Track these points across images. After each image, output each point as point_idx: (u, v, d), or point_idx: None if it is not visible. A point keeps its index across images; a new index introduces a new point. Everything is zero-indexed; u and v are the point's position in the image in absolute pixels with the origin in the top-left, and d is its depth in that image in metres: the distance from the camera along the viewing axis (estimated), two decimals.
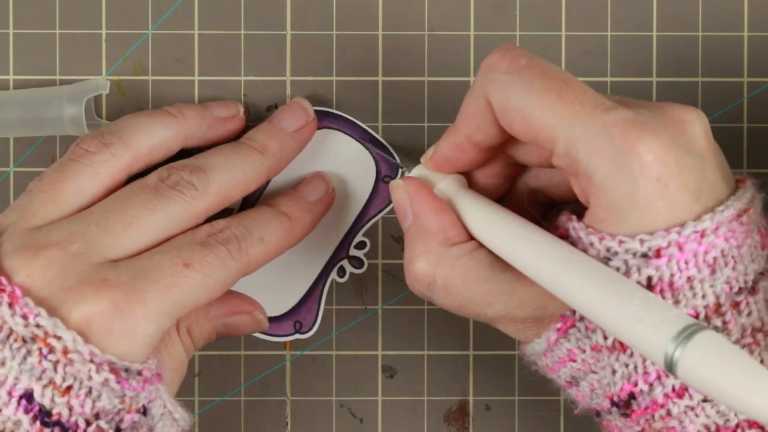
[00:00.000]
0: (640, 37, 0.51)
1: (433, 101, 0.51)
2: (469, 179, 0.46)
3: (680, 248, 0.39)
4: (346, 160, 0.50)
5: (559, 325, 0.41)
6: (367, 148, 0.50)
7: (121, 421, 0.42)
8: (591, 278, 0.39)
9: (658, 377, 0.40)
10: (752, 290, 0.40)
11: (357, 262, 0.51)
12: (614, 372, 0.40)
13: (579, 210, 0.42)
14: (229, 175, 0.45)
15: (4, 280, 0.41)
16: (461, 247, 0.43)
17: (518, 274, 0.42)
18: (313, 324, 0.51)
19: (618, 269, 0.39)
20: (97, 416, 0.41)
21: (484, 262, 0.43)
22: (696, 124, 0.40)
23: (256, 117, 0.51)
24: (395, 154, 0.50)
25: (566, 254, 0.40)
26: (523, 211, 0.44)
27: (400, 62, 0.51)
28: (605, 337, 0.40)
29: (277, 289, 0.50)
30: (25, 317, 0.40)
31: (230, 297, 0.47)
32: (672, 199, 0.39)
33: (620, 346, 0.40)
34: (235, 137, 0.49)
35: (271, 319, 0.50)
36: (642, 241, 0.39)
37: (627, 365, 0.40)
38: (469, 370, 0.51)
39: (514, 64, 0.41)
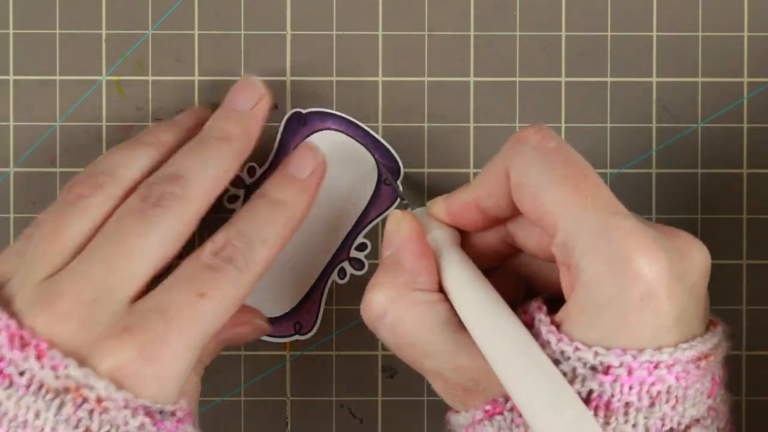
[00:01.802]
0: (640, 37, 0.51)
1: (433, 101, 0.51)
2: (466, 240, 0.46)
3: (630, 372, 0.39)
4: (347, 162, 0.50)
5: (488, 407, 0.41)
6: (369, 151, 0.50)
7: None
8: (535, 375, 0.39)
9: None
10: None
11: (358, 263, 0.51)
12: None
13: (555, 299, 0.42)
14: (205, 173, 0.44)
15: (27, 334, 0.40)
16: (425, 294, 0.43)
17: (467, 341, 0.42)
18: (313, 325, 0.51)
19: (565, 374, 0.39)
20: None
21: (441, 316, 0.43)
22: (697, 259, 0.41)
23: None
24: (400, 187, 0.50)
25: (523, 343, 0.40)
26: (503, 290, 0.44)
27: (400, 62, 0.51)
28: None
29: (278, 291, 0.50)
30: (54, 368, 0.40)
31: None
32: (647, 320, 0.39)
33: None
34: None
35: (271, 320, 0.50)
36: (596, 354, 0.39)
37: None
38: None
39: (543, 144, 0.41)
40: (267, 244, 0.44)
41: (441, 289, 0.44)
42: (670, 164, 0.51)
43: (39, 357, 0.40)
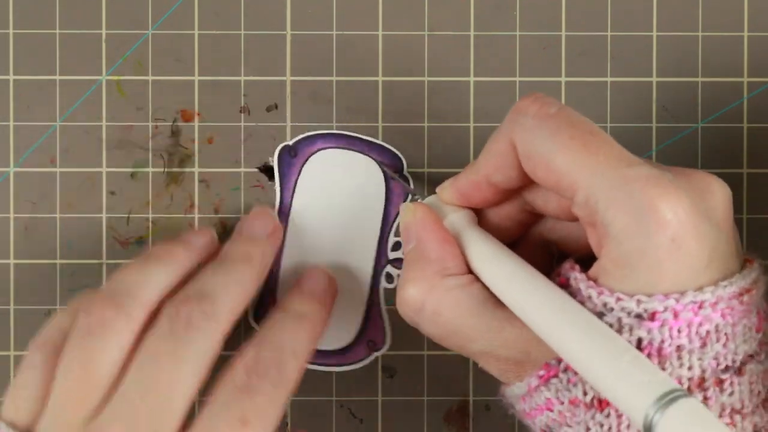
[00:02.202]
0: (640, 37, 0.51)
1: (433, 101, 0.51)
2: (483, 218, 0.46)
3: (675, 315, 0.39)
4: (350, 173, 0.50)
5: (542, 372, 0.41)
6: (366, 154, 0.50)
7: None
8: (584, 331, 0.39)
9: None
10: (739, 371, 0.40)
11: (400, 263, 0.51)
12: (588, 429, 0.40)
13: (585, 260, 0.42)
14: (231, 291, 0.45)
15: None
16: (456, 278, 0.43)
17: (508, 314, 0.42)
18: (385, 337, 0.51)
19: (611, 326, 0.40)
20: None
21: (477, 297, 0.43)
22: (718, 195, 0.41)
23: (256, 117, 0.51)
24: (410, 180, 0.50)
25: (562, 303, 0.40)
26: (533, 260, 0.44)
27: (400, 62, 0.51)
28: (585, 393, 0.40)
29: (338, 319, 0.50)
30: None
31: None
32: (681, 262, 0.39)
33: (598, 405, 0.40)
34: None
35: (345, 348, 0.50)
36: (639, 302, 0.39)
37: (602, 425, 0.40)
38: (469, 370, 0.51)
39: (543, 111, 0.41)
40: (296, 355, 0.44)
41: (470, 271, 0.44)
42: (670, 164, 0.51)
43: None
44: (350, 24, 0.51)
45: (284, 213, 0.50)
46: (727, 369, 0.40)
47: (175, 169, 0.51)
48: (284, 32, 0.51)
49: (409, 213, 0.46)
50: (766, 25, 0.51)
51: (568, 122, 0.41)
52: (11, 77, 0.51)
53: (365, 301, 0.50)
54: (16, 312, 0.51)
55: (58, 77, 0.51)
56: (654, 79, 0.51)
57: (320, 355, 0.50)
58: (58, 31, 0.51)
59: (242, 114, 0.51)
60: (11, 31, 0.51)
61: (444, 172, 0.51)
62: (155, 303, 0.44)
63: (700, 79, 0.51)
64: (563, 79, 0.51)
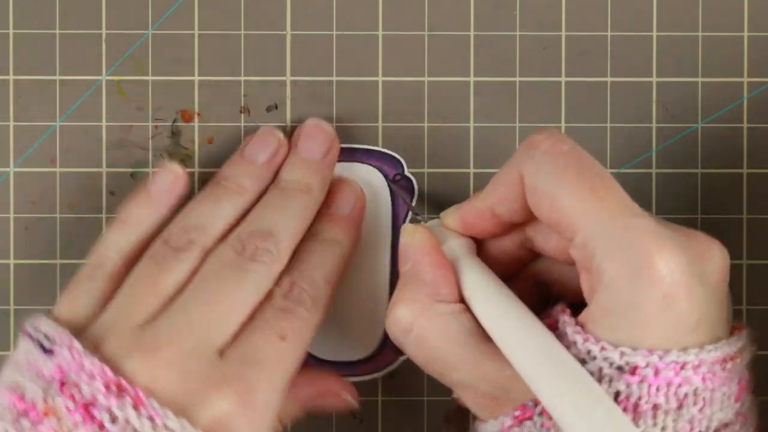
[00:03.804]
0: (640, 37, 0.51)
1: (433, 101, 0.51)
2: (482, 249, 0.46)
3: (656, 373, 0.39)
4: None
5: (517, 413, 0.41)
6: (363, 163, 0.50)
7: None
8: (563, 375, 0.39)
9: None
10: None
11: None
12: None
13: (576, 306, 0.42)
14: (293, 228, 0.46)
15: (124, 382, 0.40)
16: (448, 305, 0.43)
17: (493, 349, 0.42)
18: None
19: (592, 374, 0.39)
20: None
21: (465, 326, 0.43)
22: (717, 260, 0.41)
23: (256, 117, 0.51)
24: (414, 184, 0.50)
25: (547, 345, 0.40)
26: (524, 298, 0.44)
27: (400, 62, 0.51)
28: None
29: (362, 327, 0.50)
30: (151, 419, 0.40)
31: (318, 377, 0.48)
32: (669, 320, 0.39)
33: None
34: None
35: (374, 355, 0.50)
36: (622, 354, 0.39)
37: None
38: None
39: (556, 148, 0.41)
40: (329, 282, 0.46)
41: (462, 300, 0.44)
42: (670, 164, 0.51)
43: (136, 406, 0.40)
44: (350, 24, 0.51)
45: None
46: None
47: None
48: (284, 32, 0.51)
49: (408, 235, 0.46)
50: (766, 25, 0.51)
51: (579, 162, 0.41)
52: (11, 77, 0.51)
53: (384, 306, 0.50)
54: (16, 312, 0.51)
55: (58, 77, 0.51)
56: (654, 79, 0.51)
57: (351, 367, 0.50)
58: (58, 31, 0.51)
59: (242, 114, 0.51)
60: (11, 31, 0.51)
61: (444, 172, 0.51)
62: (225, 233, 0.46)
63: (700, 79, 0.51)
64: (563, 79, 0.51)
